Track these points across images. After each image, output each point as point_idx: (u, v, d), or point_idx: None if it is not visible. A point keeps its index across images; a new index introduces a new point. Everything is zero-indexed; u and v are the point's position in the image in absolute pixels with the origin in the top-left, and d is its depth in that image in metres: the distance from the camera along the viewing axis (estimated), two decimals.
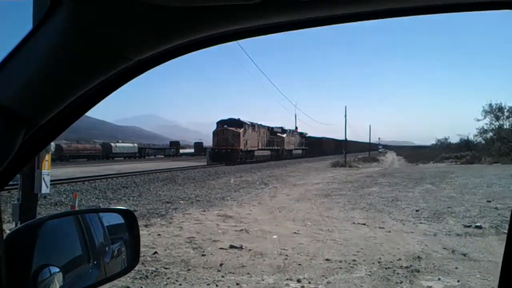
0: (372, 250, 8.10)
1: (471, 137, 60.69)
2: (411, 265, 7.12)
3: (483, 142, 57.11)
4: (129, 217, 1.46)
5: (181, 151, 76.28)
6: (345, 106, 56.69)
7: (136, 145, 63.50)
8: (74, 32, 0.81)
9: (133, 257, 1.45)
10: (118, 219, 1.45)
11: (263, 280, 6.37)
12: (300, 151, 68.31)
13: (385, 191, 18.15)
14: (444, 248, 8.32)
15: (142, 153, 61.43)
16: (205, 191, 18.42)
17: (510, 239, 0.92)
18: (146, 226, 10.06)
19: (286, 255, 7.66)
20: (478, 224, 10.55)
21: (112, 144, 56.30)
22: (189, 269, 6.81)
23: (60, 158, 44.33)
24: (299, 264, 7.13)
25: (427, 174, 27.16)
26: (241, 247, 8.14)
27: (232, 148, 43.19)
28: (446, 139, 78.92)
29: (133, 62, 0.90)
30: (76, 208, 8.56)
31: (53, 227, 1.20)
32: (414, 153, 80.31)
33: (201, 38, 0.91)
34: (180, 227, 10.18)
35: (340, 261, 7.32)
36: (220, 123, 45.83)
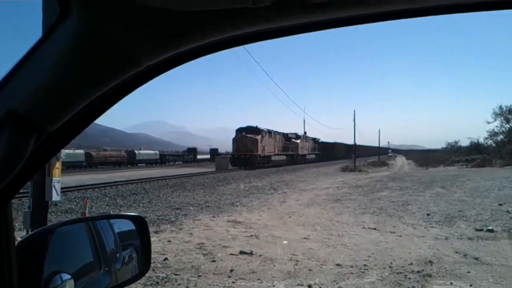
0: (383, 255, 8.03)
1: (481, 140, 60.32)
2: (422, 270, 7.04)
3: (493, 145, 56.70)
4: (140, 223, 1.46)
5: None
6: (354, 111, 56.99)
7: (157, 152, 67.71)
8: (84, 38, 0.82)
9: (144, 263, 1.45)
10: (129, 226, 1.45)
11: (273, 285, 6.33)
12: (313, 156, 70.84)
13: (396, 195, 18.01)
14: (456, 252, 8.23)
15: (163, 160, 65.25)
16: (214, 197, 18.42)
17: None
18: (156, 232, 10.07)
19: (297, 261, 7.62)
20: (490, 227, 10.43)
21: (136, 151, 60.79)
22: (199, 275, 6.79)
23: (90, 165, 48.57)
24: (310, 270, 7.09)
25: (438, 178, 26.93)
26: (251, 253, 8.11)
27: (251, 153, 45.03)
28: (456, 142, 78.53)
29: (142, 68, 0.91)
30: (87, 215, 8.60)
31: (64, 234, 1.21)
32: (423, 157, 79.60)
33: (209, 43, 0.91)
34: (190, 233, 10.17)
35: (351, 266, 7.26)
36: (239, 131, 47.90)
